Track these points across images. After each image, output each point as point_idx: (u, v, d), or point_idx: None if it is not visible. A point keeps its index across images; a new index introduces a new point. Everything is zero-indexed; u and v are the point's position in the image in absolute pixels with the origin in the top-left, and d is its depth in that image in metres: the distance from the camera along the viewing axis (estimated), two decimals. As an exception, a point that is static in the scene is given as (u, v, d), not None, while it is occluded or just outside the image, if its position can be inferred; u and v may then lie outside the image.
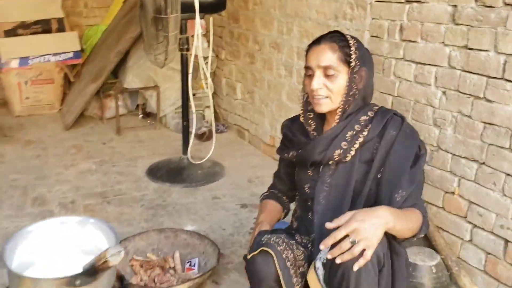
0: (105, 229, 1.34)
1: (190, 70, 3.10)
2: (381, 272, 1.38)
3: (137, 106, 4.55)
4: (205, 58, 4.17)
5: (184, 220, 2.67)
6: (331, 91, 1.54)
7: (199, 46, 2.99)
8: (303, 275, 1.56)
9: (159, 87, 4.14)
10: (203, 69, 3.09)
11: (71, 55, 4.62)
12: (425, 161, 1.57)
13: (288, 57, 3.30)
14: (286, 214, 1.89)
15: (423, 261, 2.08)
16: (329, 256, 1.31)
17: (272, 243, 1.49)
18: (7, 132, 4.02)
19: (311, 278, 1.45)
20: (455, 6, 2.05)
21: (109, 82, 4.38)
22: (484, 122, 1.97)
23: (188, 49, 3.14)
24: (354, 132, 1.56)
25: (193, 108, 3.09)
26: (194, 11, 2.90)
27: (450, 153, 2.14)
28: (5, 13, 4.32)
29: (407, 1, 2.27)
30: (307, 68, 1.58)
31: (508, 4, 1.84)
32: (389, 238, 1.43)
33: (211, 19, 3.17)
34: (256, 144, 3.83)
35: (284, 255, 1.48)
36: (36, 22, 4.44)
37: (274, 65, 3.46)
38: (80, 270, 1.18)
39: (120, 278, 1.45)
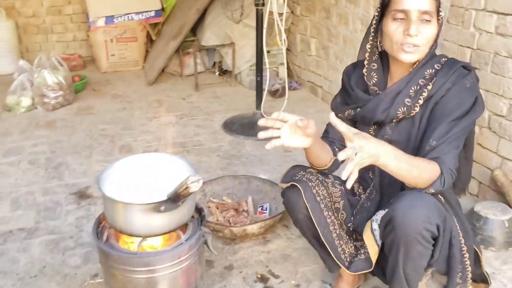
0: (186, 165, 1.48)
1: (265, 25, 3.16)
2: (437, 241, 1.39)
3: (214, 63, 4.69)
4: (280, 14, 4.20)
5: (257, 170, 2.80)
6: (424, 39, 1.43)
7: (273, 1, 3.03)
8: (338, 211, 1.65)
9: (234, 44, 4.24)
10: (277, 25, 3.14)
11: (152, 13, 4.82)
12: (474, 121, 1.47)
13: (364, 11, 3.25)
14: (334, 164, 1.65)
15: (495, 215, 2.06)
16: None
17: (304, 179, 1.56)
18: (95, 86, 4.32)
19: (368, 236, 1.51)
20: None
21: (188, 40, 4.53)
22: None
23: (263, 4, 3.18)
24: (418, 87, 1.47)
25: (267, 65, 3.17)
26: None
27: (530, 107, 2.07)
28: (93, -27, 4.56)
29: None
30: (398, 11, 1.42)
31: None
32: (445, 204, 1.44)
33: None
34: (328, 101, 3.84)
35: (314, 190, 1.56)
36: (121, -18, 4.64)
37: (350, 20, 3.43)
38: (164, 197, 1.32)
39: (199, 210, 1.59)
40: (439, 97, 1.45)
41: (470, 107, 1.44)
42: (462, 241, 1.47)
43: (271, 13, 3.26)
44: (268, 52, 3.40)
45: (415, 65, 1.48)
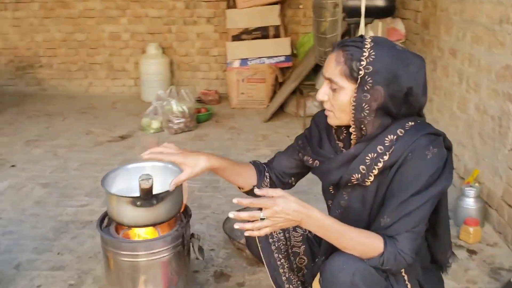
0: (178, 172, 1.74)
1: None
2: None
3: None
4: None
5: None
6: (332, 106, 1.38)
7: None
8: (297, 255, 1.67)
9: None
10: None
11: (282, 58, 5.24)
12: (436, 195, 1.32)
13: (460, 64, 3.15)
14: (251, 192, 1.64)
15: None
16: (231, 215, 1.30)
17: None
18: (219, 119, 4.84)
19: (316, 286, 1.51)
20: None
21: (308, 83, 4.80)
22: None
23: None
24: (375, 155, 1.35)
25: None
26: (368, 16, 3.08)
27: None
28: (234, 21, 5.17)
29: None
30: None
31: None
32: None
33: (380, 24, 3.27)
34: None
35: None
36: (257, 29, 5.16)
37: (449, 72, 3.34)
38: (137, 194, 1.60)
39: (189, 215, 1.82)
40: (396, 168, 1.34)
41: (429, 180, 1.30)
42: None
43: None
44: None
45: (359, 132, 1.38)
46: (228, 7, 5.23)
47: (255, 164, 1.71)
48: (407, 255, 1.31)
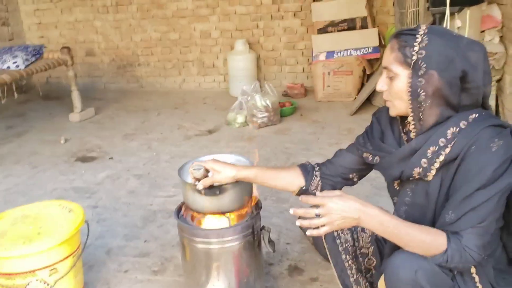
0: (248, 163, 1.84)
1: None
2: None
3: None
4: (494, 53, 4.01)
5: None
6: (390, 95, 1.40)
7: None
8: (365, 256, 1.66)
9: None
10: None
11: (370, 50, 5.13)
12: (505, 190, 1.27)
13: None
14: (301, 192, 1.71)
15: None
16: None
17: None
18: (304, 112, 4.87)
19: (381, 284, 1.49)
20: None
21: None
22: None
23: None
24: (437, 148, 1.33)
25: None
26: (452, 4, 2.94)
27: None
28: (319, 13, 5.15)
29: None
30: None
31: None
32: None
33: (468, 12, 3.10)
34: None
35: (335, 233, 1.61)
36: (343, 21, 5.10)
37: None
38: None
39: (259, 208, 1.90)
40: (460, 162, 1.31)
41: (495, 174, 1.26)
42: None
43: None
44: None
45: (418, 122, 1.37)
46: (314, 0, 5.23)
47: (302, 166, 1.76)
48: (473, 251, 1.28)
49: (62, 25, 6.21)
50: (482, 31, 3.93)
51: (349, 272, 1.68)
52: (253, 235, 1.82)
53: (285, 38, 5.71)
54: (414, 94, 1.34)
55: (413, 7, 2.79)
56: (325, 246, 1.69)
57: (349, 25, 5.12)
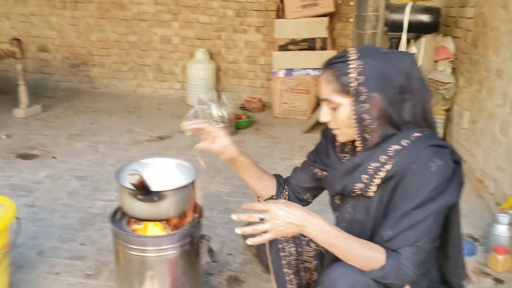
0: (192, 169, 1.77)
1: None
2: None
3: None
4: (445, 83, 4.11)
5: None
6: (337, 124, 1.39)
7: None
8: (307, 270, 1.64)
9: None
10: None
11: (328, 71, 5.18)
12: (441, 210, 1.28)
13: (506, 86, 3.01)
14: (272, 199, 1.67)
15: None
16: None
17: None
18: (259, 127, 4.84)
19: None
20: None
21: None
22: None
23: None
24: (378, 164, 1.33)
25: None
26: (411, 31, 3.01)
27: None
28: (282, 31, 5.17)
29: None
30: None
31: None
32: None
33: (423, 40, 3.18)
34: (467, 177, 3.56)
35: (280, 246, 1.59)
36: (304, 40, 5.14)
37: (494, 94, 3.19)
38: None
39: (200, 215, 1.83)
40: (399, 180, 1.31)
41: (433, 193, 1.26)
42: None
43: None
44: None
45: (363, 142, 1.37)
46: (277, 17, 5.25)
47: (277, 176, 1.76)
48: (409, 269, 1.27)
49: (15, 16, 5.97)
50: (436, 61, 4.05)
51: (289, 286, 1.65)
52: (191, 244, 1.74)
53: (246, 52, 5.70)
54: (359, 120, 1.34)
55: (371, 29, 2.83)
56: (268, 258, 1.64)
57: (310, 44, 5.16)
